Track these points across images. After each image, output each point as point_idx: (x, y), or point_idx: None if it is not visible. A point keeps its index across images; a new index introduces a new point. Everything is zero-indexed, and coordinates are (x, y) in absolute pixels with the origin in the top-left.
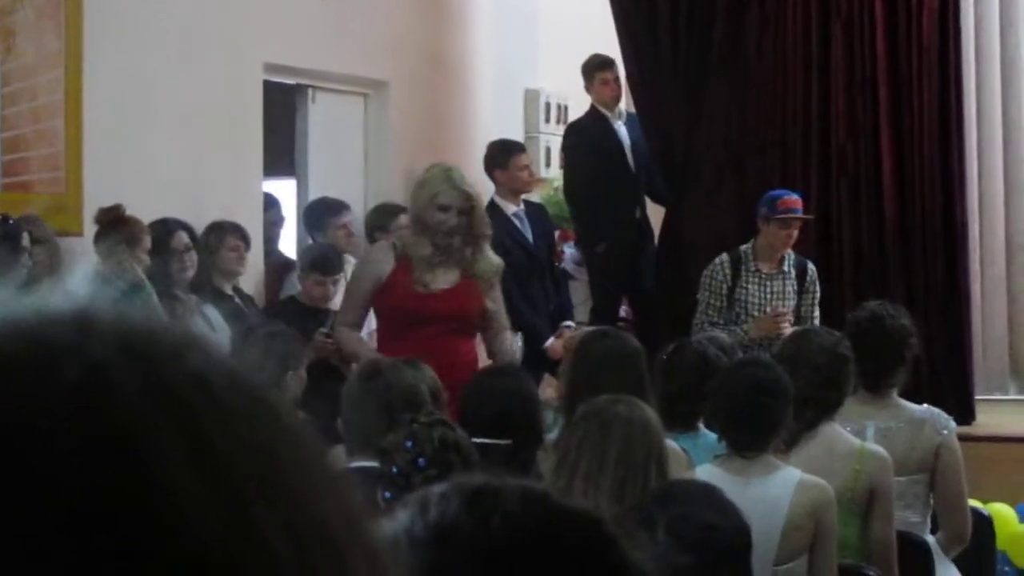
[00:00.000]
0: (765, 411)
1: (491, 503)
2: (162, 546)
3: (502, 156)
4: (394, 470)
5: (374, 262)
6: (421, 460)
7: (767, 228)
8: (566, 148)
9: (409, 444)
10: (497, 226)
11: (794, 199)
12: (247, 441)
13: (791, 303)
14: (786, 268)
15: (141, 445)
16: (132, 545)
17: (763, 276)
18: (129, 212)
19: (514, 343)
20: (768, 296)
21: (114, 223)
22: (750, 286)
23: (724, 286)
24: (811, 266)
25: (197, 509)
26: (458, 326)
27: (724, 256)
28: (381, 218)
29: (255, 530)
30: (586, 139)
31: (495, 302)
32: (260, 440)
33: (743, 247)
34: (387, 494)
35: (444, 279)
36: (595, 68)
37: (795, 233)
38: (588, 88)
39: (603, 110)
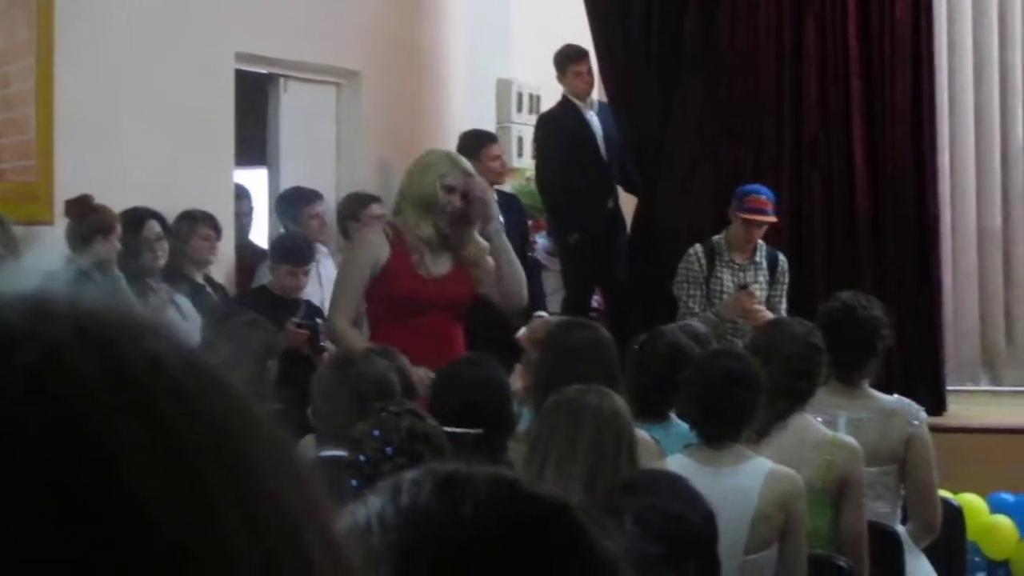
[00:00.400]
0: (736, 402)
1: (461, 489)
2: (117, 528)
3: (474, 146)
4: (362, 458)
5: (370, 247)
6: (389, 449)
7: (735, 221)
8: (538, 139)
9: (377, 433)
10: None
11: (762, 199)
12: (204, 423)
13: (763, 294)
14: (758, 259)
15: (97, 427)
16: (86, 527)
17: (736, 266)
18: (100, 201)
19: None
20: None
21: (84, 213)
22: (724, 276)
23: (701, 275)
24: (782, 257)
25: (153, 491)
26: (456, 313)
27: (698, 247)
28: (353, 207)
29: (211, 512)
30: (558, 130)
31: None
32: (217, 423)
33: (716, 238)
34: (355, 482)
35: (442, 264)
36: (568, 60)
37: (759, 231)
38: (560, 79)
39: (575, 100)
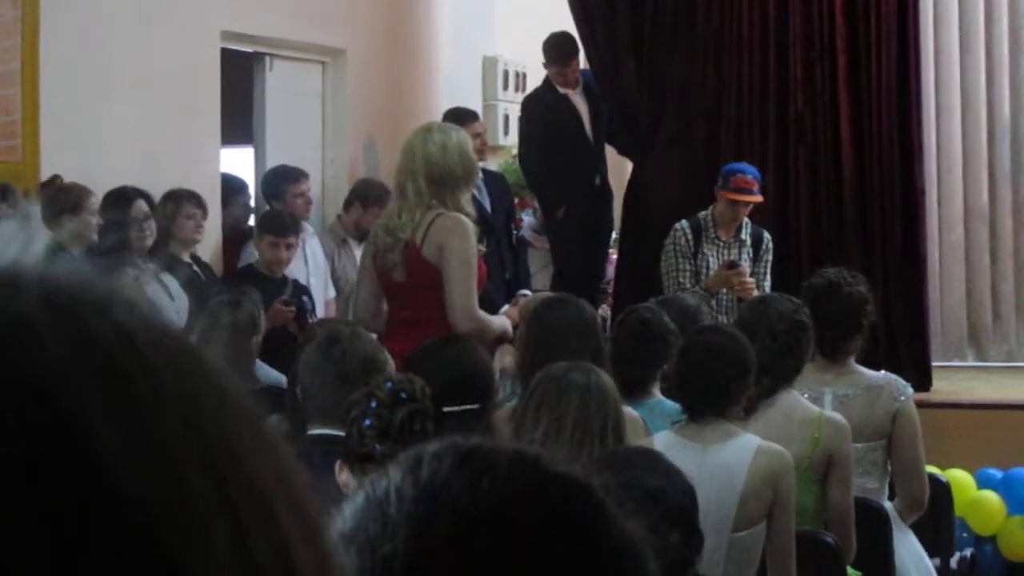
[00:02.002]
0: (719, 377)
1: (482, 464)
2: (82, 497)
3: (456, 124)
4: (367, 422)
5: (472, 232)
6: (378, 447)
7: (721, 199)
8: (522, 121)
9: (368, 423)
10: None
11: (748, 179)
12: (171, 394)
13: (748, 271)
14: (743, 236)
15: (62, 398)
16: (52, 496)
17: (721, 244)
18: (86, 181)
19: None
20: None
21: (54, 194)
22: (709, 253)
23: (689, 250)
24: (767, 235)
25: (118, 462)
26: None
27: (684, 223)
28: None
29: (179, 483)
30: (541, 111)
31: None
32: (186, 395)
33: (702, 214)
34: (378, 447)
35: None
36: (553, 60)
37: (745, 210)
38: (547, 68)
39: (559, 88)
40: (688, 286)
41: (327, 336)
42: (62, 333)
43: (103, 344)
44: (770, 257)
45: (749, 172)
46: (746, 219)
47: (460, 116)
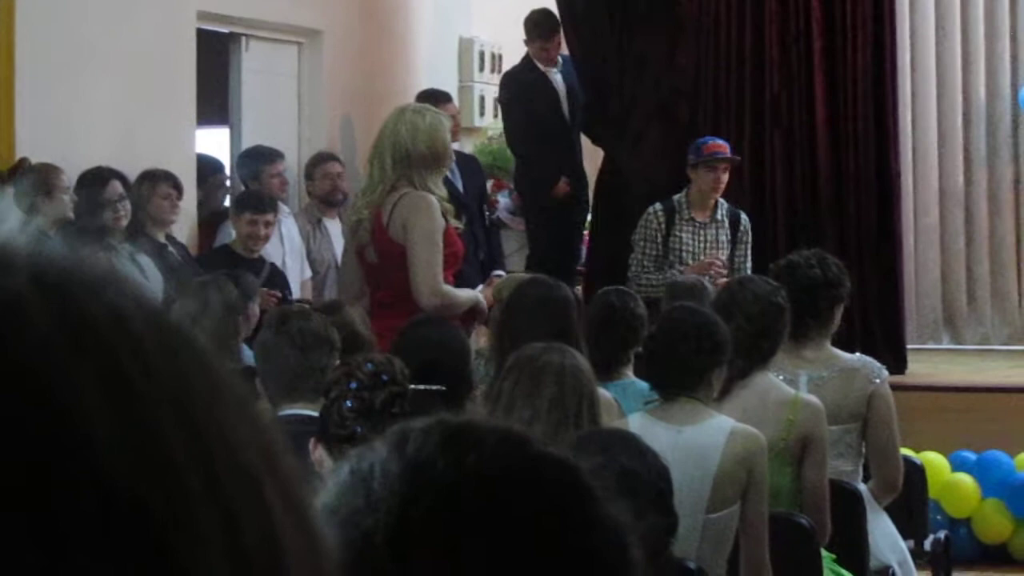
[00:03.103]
0: (686, 355)
1: (468, 442)
2: (72, 479)
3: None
4: (347, 404)
5: (436, 209)
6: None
7: (696, 174)
8: (501, 99)
9: (349, 404)
10: None
11: (719, 143)
12: (163, 377)
13: (724, 252)
14: (719, 217)
15: (53, 379)
16: (42, 478)
17: (697, 225)
18: (60, 162)
19: None
20: (702, 244)
21: (22, 175)
22: (684, 235)
23: (658, 234)
24: (744, 216)
25: (109, 442)
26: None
27: (658, 205)
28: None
29: (169, 465)
30: (519, 88)
31: None
32: (177, 377)
33: (676, 196)
34: (358, 428)
35: None
36: (536, 35)
37: (724, 177)
38: (527, 44)
39: (539, 64)
40: (652, 269)
41: (277, 317)
42: (53, 313)
43: (94, 324)
44: (749, 239)
45: (719, 139)
46: (722, 200)
47: (433, 97)
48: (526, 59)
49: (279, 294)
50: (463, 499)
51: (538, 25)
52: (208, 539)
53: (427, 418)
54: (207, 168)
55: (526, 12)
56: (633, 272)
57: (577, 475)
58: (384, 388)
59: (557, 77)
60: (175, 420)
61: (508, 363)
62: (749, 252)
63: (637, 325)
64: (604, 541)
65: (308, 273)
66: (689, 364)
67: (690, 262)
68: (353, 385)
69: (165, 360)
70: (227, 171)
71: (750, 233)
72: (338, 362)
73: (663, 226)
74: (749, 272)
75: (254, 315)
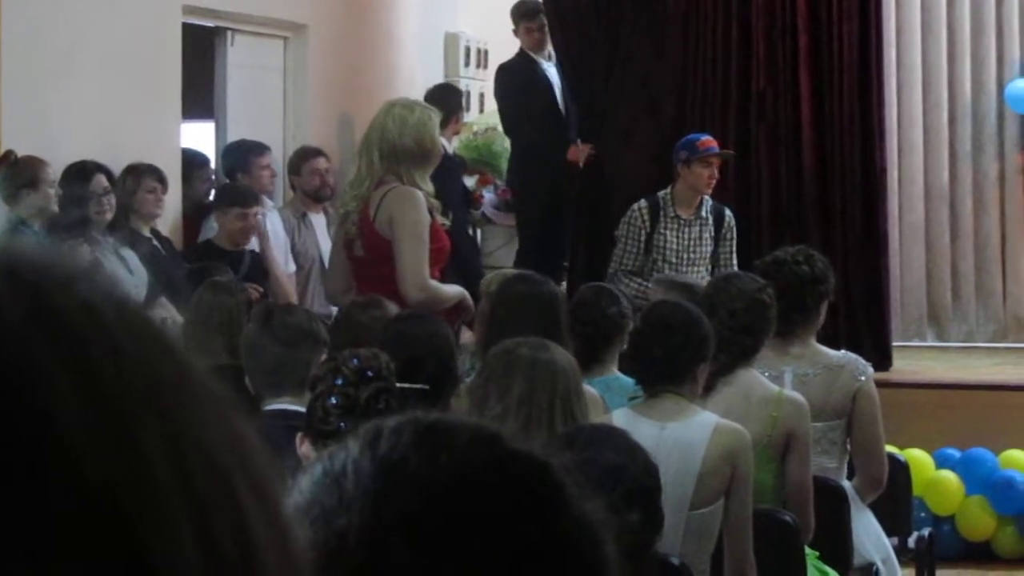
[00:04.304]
0: (669, 349)
1: (441, 439)
2: (47, 474)
3: (435, 104)
4: (332, 400)
5: (422, 204)
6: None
7: (688, 171)
8: (497, 91)
9: (334, 401)
10: None
11: (711, 139)
12: (133, 369)
13: (708, 249)
14: (704, 214)
15: (24, 371)
16: (16, 473)
17: (681, 222)
18: (45, 156)
19: None
20: (686, 242)
21: (11, 169)
22: (668, 232)
23: (642, 232)
24: (728, 212)
25: (80, 434)
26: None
27: (642, 202)
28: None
29: (138, 456)
30: (513, 81)
31: None
32: (147, 369)
33: (661, 193)
34: (343, 425)
35: None
36: (520, 17)
37: (716, 172)
38: (515, 33)
39: (531, 53)
40: (632, 267)
41: (261, 312)
42: (25, 307)
43: (66, 320)
44: (734, 235)
45: (707, 135)
46: (706, 196)
47: (444, 91)
48: (520, 52)
49: (261, 288)
50: (436, 498)
51: (517, 8)
52: (179, 530)
53: (399, 416)
54: (193, 163)
55: (511, 7)
56: (612, 269)
57: (548, 472)
58: (369, 384)
59: (551, 69)
60: (146, 414)
61: (486, 359)
62: (734, 249)
63: (621, 321)
64: (576, 538)
65: (292, 267)
66: (674, 360)
67: (673, 260)
68: (339, 381)
69: (136, 353)
70: (212, 165)
71: (735, 230)
72: (324, 356)
73: (647, 223)
74: (735, 268)
75: None
